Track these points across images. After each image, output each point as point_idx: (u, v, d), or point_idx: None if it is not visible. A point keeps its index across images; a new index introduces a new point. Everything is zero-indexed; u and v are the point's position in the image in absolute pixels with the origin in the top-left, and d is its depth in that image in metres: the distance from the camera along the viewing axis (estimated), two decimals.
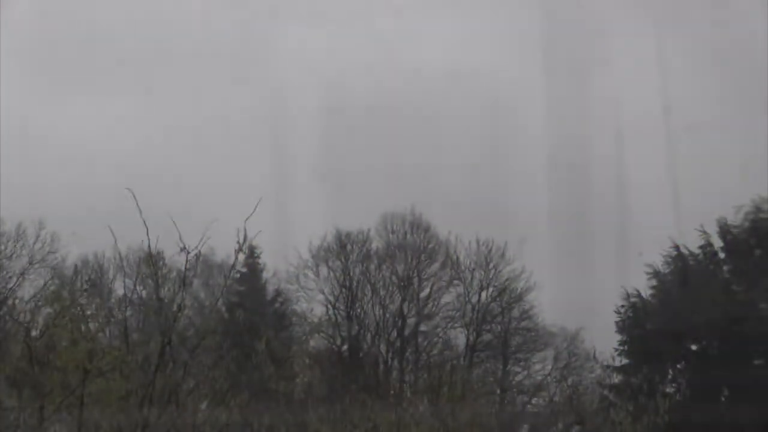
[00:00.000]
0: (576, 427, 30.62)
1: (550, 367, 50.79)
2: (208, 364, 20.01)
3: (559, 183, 46.82)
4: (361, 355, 50.14)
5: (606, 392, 38.47)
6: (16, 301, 40.82)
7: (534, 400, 48.14)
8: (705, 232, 39.97)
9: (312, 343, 48.51)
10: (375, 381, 40.91)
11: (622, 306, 40.60)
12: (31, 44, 50.12)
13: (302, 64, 49.77)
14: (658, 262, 40.43)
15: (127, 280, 47.23)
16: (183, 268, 17.83)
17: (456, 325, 51.77)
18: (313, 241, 50.79)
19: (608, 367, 40.57)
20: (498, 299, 51.93)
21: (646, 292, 40.62)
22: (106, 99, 52.21)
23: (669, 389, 38.73)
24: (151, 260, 18.35)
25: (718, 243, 39.98)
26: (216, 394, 19.99)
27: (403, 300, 51.29)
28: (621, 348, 40.17)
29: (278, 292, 50.75)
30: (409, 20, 52.91)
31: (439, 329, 51.78)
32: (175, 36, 54.55)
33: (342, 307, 51.28)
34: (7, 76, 43.03)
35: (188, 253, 17.17)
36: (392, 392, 34.72)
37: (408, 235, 52.14)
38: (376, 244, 52.04)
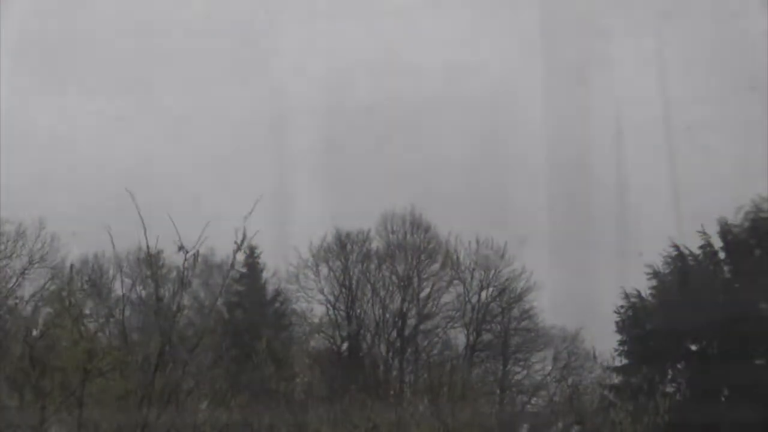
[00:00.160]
0: (576, 427, 30.63)
1: (550, 367, 50.85)
2: (207, 364, 20.01)
3: (559, 183, 46.84)
4: (361, 355, 50.15)
5: (606, 392, 38.46)
6: (17, 301, 40.87)
7: (534, 400, 48.19)
8: (705, 233, 40.02)
9: (312, 343, 48.58)
10: (375, 381, 40.95)
11: (622, 306, 40.62)
12: (31, 44, 50.09)
13: (302, 64, 49.77)
14: (658, 263, 40.48)
15: (126, 280, 47.28)
16: (182, 268, 17.81)
17: (456, 325, 51.81)
18: (313, 241, 50.84)
19: (608, 367, 40.59)
20: (498, 299, 51.94)
21: (645, 293, 40.65)
22: (106, 99, 52.18)
23: (669, 389, 38.73)
24: (151, 260, 18.33)
25: (718, 243, 40.01)
26: (216, 394, 19.98)
27: (403, 300, 51.30)
28: (621, 348, 40.19)
29: (278, 292, 50.76)
30: (409, 20, 52.89)
31: (439, 329, 51.80)
32: (175, 36, 54.48)
33: (342, 307, 51.29)
34: (7, 75, 43.03)
35: (187, 252, 17.17)
36: (392, 392, 34.74)
37: (408, 235, 52.16)
38: (376, 244, 52.10)
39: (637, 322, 40.48)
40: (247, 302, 48.07)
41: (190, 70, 52.84)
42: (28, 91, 49.87)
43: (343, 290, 51.25)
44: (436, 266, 52.10)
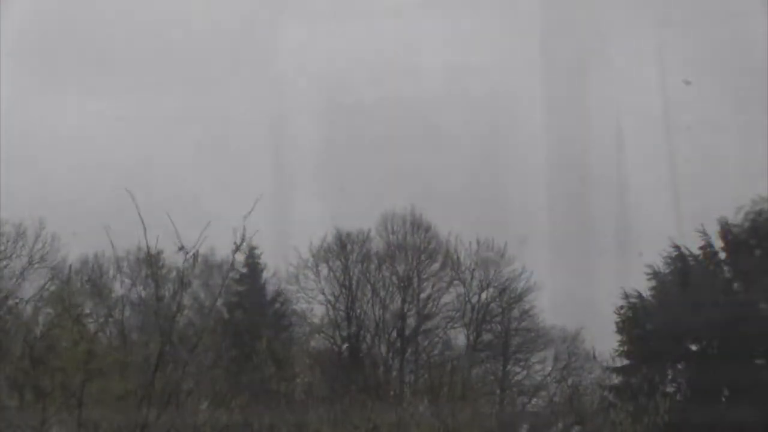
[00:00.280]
0: (576, 427, 30.62)
1: (550, 367, 50.85)
2: (207, 364, 20.02)
3: (559, 183, 46.83)
4: (361, 355, 50.12)
5: (606, 393, 38.46)
6: (17, 301, 40.83)
7: (534, 400, 48.18)
8: (705, 233, 40.01)
9: (312, 343, 48.57)
10: (375, 381, 40.90)
11: (622, 306, 40.61)
12: (30, 43, 50.08)
13: (302, 64, 49.75)
14: (658, 263, 40.47)
15: (126, 280, 47.31)
16: (182, 268, 17.81)
17: (456, 325, 51.80)
18: (313, 241, 50.83)
19: (608, 367, 40.59)
20: (498, 299, 51.95)
21: (645, 293, 40.64)
22: (106, 99, 52.16)
23: (669, 389, 38.72)
24: (150, 260, 18.34)
25: (718, 243, 40.00)
26: (216, 394, 19.98)
27: (403, 300, 51.29)
28: (621, 348, 40.18)
29: (278, 292, 50.74)
30: (409, 20, 52.85)
31: (439, 329, 51.79)
32: (175, 35, 54.46)
33: (342, 307, 51.28)
34: (7, 75, 42.99)
35: (186, 252, 17.17)
36: (392, 392, 34.72)
37: (408, 235, 52.15)
38: (376, 244, 52.09)
39: (637, 322, 40.46)
40: (247, 302, 48.05)
41: (190, 70, 52.84)
42: (28, 91, 49.85)
43: (343, 290, 51.25)
44: (436, 266, 52.11)
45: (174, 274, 20.06)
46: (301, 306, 50.81)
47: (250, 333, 37.95)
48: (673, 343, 38.86)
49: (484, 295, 52.00)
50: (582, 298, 45.36)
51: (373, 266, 51.67)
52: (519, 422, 37.42)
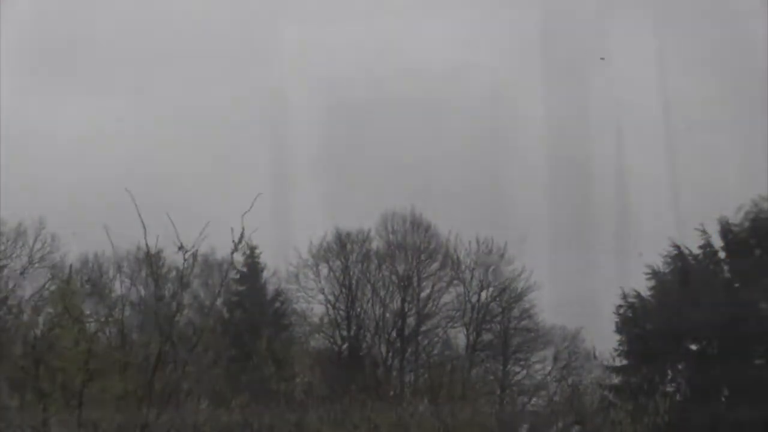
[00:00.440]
0: (576, 427, 30.60)
1: (550, 367, 50.86)
2: (207, 364, 20.02)
3: (559, 182, 46.85)
4: (361, 355, 50.13)
5: (606, 392, 38.45)
6: (17, 301, 40.85)
7: (534, 400, 48.17)
8: (705, 232, 40.02)
9: (312, 343, 48.58)
10: (375, 381, 40.88)
11: (621, 306, 40.63)
12: (30, 44, 50.08)
13: (302, 64, 49.74)
14: (659, 262, 40.48)
15: (126, 280, 47.29)
16: (182, 268, 17.81)
17: (456, 324, 51.81)
18: (313, 240, 50.85)
19: (608, 367, 40.59)
20: (498, 299, 51.96)
21: (645, 293, 40.64)
22: (106, 98, 52.18)
23: (669, 389, 38.72)
24: (150, 260, 18.34)
25: (718, 243, 40.01)
26: (216, 394, 19.99)
27: (403, 300, 51.30)
28: (620, 348, 40.19)
29: (278, 292, 50.73)
30: (409, 20, 52.87)
31: (439, 329, 51.80)
32: (175, 35, 54.52)
33: (342, 307, 51.30)
34: (6, 75, 43.00)
35: (186, 252, 17.17)
36: (392, 392, 34.72)
37: (408, 235, 52.17)
38: (376, 243, 52.11)
39: (637, 322, 40.48)
40: (247, 302, 48.03)
41: (190, 70, 52.86)
42: (28, 91, 49.84)
43: (343, 290, 51.26)
44: (436, 266, 52.14)
45: (174, 274, 20.07)
46: (301, 306, 50.87)
47: (250, 333, 37.96)
48: (672, 342, 38.87)
49: (483, 295, 52.06)
50: (582, 298, 45.37)
51: (373, 266, 51.70)
52: (519, 422, 37.38)
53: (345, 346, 50.83)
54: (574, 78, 47.24)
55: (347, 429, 23.24)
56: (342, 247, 51.45)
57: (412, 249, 51.89)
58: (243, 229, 17.13)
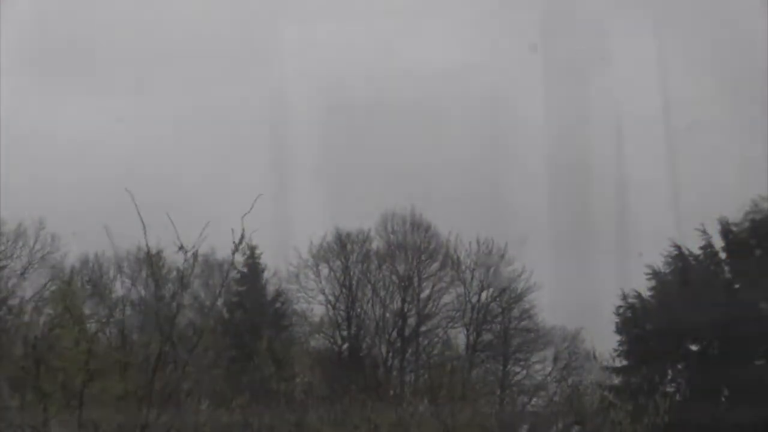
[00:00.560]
0: (576, 427, 30.59)
1: (550, 367, 50.87)
2: (207, 364, 20.03)
3: (559, 183, 46.85)
4: (361, 355, 50.15)
5: (606, 393, 38.44)
6: (18, 301, 40.88)
7: (534, 400, 48.17)
8: (705, 232, 40.02)
9: (312, 343, 48.60)
10: (375, 381, 40.89)
11: (620, 307, 40.63)
12: (30, 44, 50.09)
13: (302, 64, 49.74)
14: (659, 262, 40.49)
15: (126, 280, 47.31)
16: (182, 268, 17.81)
17: (456, 325, 51.83)
18: (313, 241, 50.86)
19: (608, 367, 40.58)
20: (498, 299, 51.97)
21: (645, 293, 40.65)
22: (106, 98, 52.17)
23: (669, 389, 38.71)
24: (150, 260, 18.35)
25: (718, 243, 40.01)
26: (216, 394, 20.00)
27: (403, 300, 51.31)
28: (620, 348, 40.19)
29: (278, 292, 50.75)
30: (408, 20, 52.87)
31: (439, 329, 51.81)
32: (175, 35, 54.50)
33: (342, 307, 51.31)
34: (6, 75, 43.01)
35: (186, 252, 17.17)
36: (392, 392, 34.73)
37: (408, 235, 52.18)
38: (376, 244, 52.12)
39: (637, 322, 40.49)
40: (248, 302, 48.07)
41: (190, 70, 52.86)
42: (28, 91, 49.85)
43: (343, 290, 51.28)
44: (436, 266, 52.14)
45: (174, 274, 20.07)
46: (301, 306, 50.90)
47: (250, 333, 38.00)
48: (672, 343, 38.88)
49: (484, 295, 52.06)
50: (582, 298, 45.38)
51: (373, 266, 51.71)
52: (519, 422, 37.37)
53: (345, 346, 50.85)
54: (574, 78, 47.26)
55: (347, 429, 23.25)
56: (342, 248, 51.47)
57: (412, 249, 51.90)
58: (243, 230, 17.14)
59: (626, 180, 44.61)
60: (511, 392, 50.04)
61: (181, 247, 17.06)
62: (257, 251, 47.62)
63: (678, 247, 40.36)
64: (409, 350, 50.94)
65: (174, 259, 18.10)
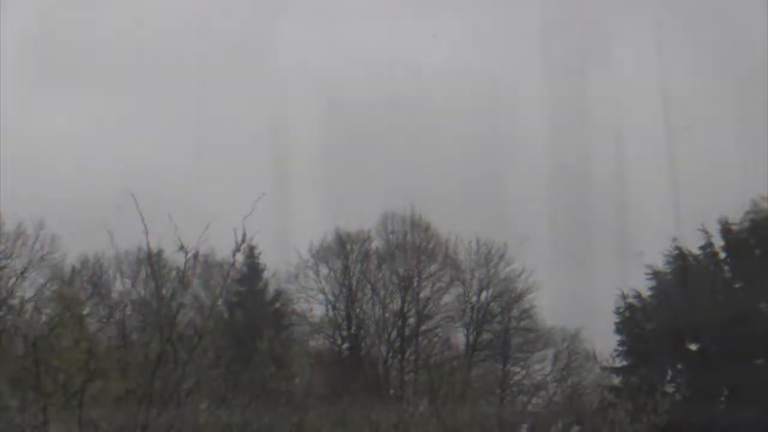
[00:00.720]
0: (576, 427, 30.61)
1: (550, 367, 50.87)
2: (207, 364, 20.02)
3: (559, 183, 46.89)
4: (361, 355, 50.17)
5: (606, 392, 38.44)
6: (18, 301, 40.87)
7: (534, 400, 48.18)
8: (706, 232, 40.00)
9: (312, 343, 48.63)
10: (375, 381, 40.94)
11: (620, 307, 40.62)
12: (31, 44, 50.15)
13: (302, 64, 49.79)
14: (659, 262, 40.49)
15: (126, 280, 47.32)
16: (182, 268, 17.82)
17: (456, 324, 51.84)
18: (313, 241, 50.88)
19: (607, 367, 40.58)
20: (498, 299, 51.97)
21: (645, 293, 40.65)
22: (106, 99, 52.24)
23: (669, 389, 38.70)
24: (150, 260, 18.35)
25: (718, 243, 40.00)
26: (216, 394, 19.99)
27: (403, 300, 51.32)
28: (620, 348, 40.19)
29: (278, 292, 50.78)
30: (409, 20, 52.91)
31: (439, 329, 51.82)
32: (175, 36, 54.61)
33: (342, 307, 51.33)
34: (7, 76, 43.05)
35: (187, 252, 17.17)
36: (392, 392, 34.76)
37: (408, 235, 52.18)
38: (376, 244, 52.13)
39: (637, 322, 40.48)
40: (248, 302, 48.09)
41: (190, 70, 52.90)
42: (29, 91, 49.89)
43: (343, 290, 51.29)
44: (436, 266, 52.14)
45: (174, 274, 20.08)
46: (301, 306, 50.92)
47: (250, 333, 37.96)
48: (672, 342, 38.86)
49: (483, 295, 52.07)
50: (582, 298, 45.41)
51: (373, 266, 51.73)
52: (519, 422, 37.39)
53: (345, 346, 50.87)
54: (574, 78, 47.28)
55: (347, 429, 23.25)
56: (342, 247, 51.48)
57: (412, 249, 51.91)
58: (244, 231, 17.15)
59: (626, 180, 44.65)
60: (511, 392, 50.05)
61: (181, 248, 17.06)
62: (257, 251, 47.68)
63: (678, 247, 40.38)
64: (409, 350, 50.96)
65: (174, 259, 18.12)
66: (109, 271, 48.86)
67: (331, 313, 51.14)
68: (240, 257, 21.16)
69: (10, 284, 46.78)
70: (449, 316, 51.96)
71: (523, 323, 51.96)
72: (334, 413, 23.89)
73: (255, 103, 50.20)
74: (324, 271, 51.39)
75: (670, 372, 39.49)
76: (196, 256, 17.39)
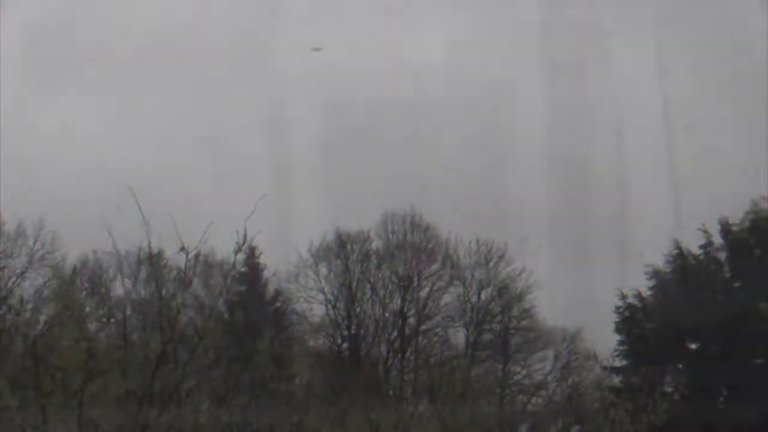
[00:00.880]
0: (576, 426, 30.63)
1: (550, 367, 50.84)
2: (207, 364, 20.02)
3: (559, 183, 46.85)
4: (361, 355, 50.16)
5: (605, 392, 38.46)
6: (17, 301, 40.77)
7: (534, 400, 48.17)
8: (706, 231, 40.01)
9: (312, 343, 48.62)
10: (375, 381, 40.94)
11: (620, 306, 40.64)
12: (31, 44, 50.11)
13: (302, 64, 49.73)
14: (659, 262, 40.51)
15: (126, 280, 47.31)
16: (183, 268, 17.83)
17: (456, 324, 51.82)
18: (313, 241, 50.86)
19: (607, 367, 40.59)
20: (497, 299, 51.96)
21: (645, 292, 40.66)
22: (106, 99, 52.22)
23: (668, 389, 38.73)
24: (151, 260, 18.36)
25: (718, 242, 40.01)
26: (216, 394, 19.99)
27: (403, 300, 51.31)
28: (620, 348, 40.20)
29: (278, 292, 50.75)
30: (409, 20, 52.89)
31: (438, 329, 51.81)
32: (175, 35, 54.50)
33: (342, 307, 51.30)
34: (7, 76, 43.01)
35: (187, 253, 17.18)
36: (392, 392, 34.77)
37: (408, 235, 52.16)
38: (376, 244, 52.11)
39: (637, 321, 40.50)
40: (248, 302, 48.07)
41: (189, 70, 52.85)
42: (28, 91, 49.87)
43: (343, 290, 51.28)
44: (436, 266, 52.13)
45: (174, 273, 20.08)
46: (301, 306, 50.89)
47: (250, 333, 37.97)
48: (672, 342, 38.89)
49: (483, 295, 52.06)
50: (582, 298, 45.38)
51: (373, 266, 51.70)
52: (519, 422, 37.40)
53: (345, 346, 50.85)
54: (574, 78, 47.24)
55: (347, 429, 23.26)
56: (342, 247, 51.47)
57: (412, 249, 51.89)
58: (245, 232, 17.15)
59: (626, 180, 44.64)
60: (511, 392, 50.03)
61: (182, 248, 17.07)
62: (257, 251, 47.65)
63: (678, 247, 40.38)
64: (409, 350, 50.94)
65: (175, 258, 18.12)
66: (109, 271, 48.86)
67: (331, 313, 51.13)
68: (240, 257, 21.18)
69: (10, 284, 46.77)
70: (449, 316, 51.95)
71: (523, 323, 51.94)
72: (334, 413, 23.89)
73: (255, 103, 50.19)
74: (324, 271, 51.40)
75: (670, 372, 39.51)
76: (197, 256, 17.40)
